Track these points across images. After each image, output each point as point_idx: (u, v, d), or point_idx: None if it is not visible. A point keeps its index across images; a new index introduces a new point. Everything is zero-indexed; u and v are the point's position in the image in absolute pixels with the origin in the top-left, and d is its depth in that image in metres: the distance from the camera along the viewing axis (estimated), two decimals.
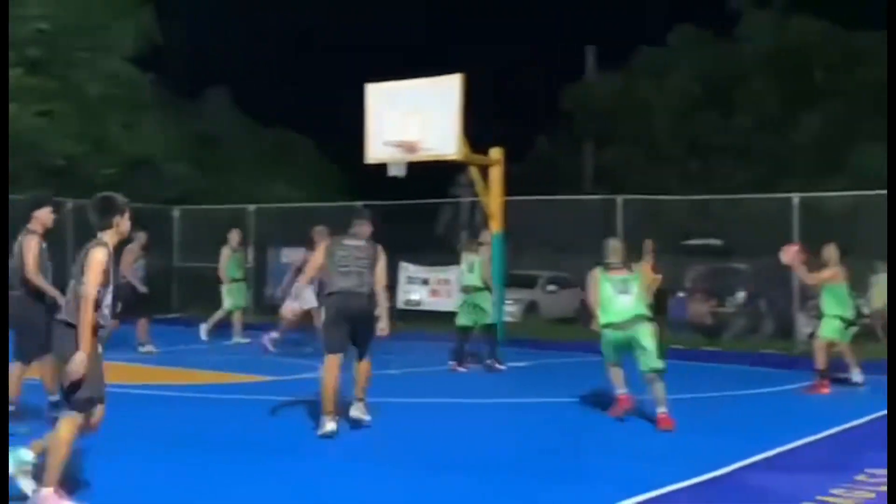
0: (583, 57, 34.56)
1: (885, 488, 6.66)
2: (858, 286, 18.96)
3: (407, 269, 19.48)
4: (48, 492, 5.68)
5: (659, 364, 9.29)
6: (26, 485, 5.89)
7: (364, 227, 8.91)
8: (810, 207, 18.45)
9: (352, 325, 8.61)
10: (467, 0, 48.70)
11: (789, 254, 12.24)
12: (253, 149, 31.60)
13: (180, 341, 15.90)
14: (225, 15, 39.16)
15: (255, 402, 10.09)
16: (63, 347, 5.73)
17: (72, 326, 5.69)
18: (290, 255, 22.66)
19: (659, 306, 17.20)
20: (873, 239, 20.63)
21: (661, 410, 9.16)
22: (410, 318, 18.97)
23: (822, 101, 28.21)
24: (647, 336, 9.37)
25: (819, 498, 6.35)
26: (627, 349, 9.50)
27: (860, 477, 6.97)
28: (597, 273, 9.69)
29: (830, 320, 12.08)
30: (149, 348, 14.95)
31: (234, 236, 16.98)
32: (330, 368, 8.53)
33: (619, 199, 19.77)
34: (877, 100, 27.89)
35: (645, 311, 9.57)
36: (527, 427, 9.58)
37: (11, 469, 5.83)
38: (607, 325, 9.52)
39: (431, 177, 21.29)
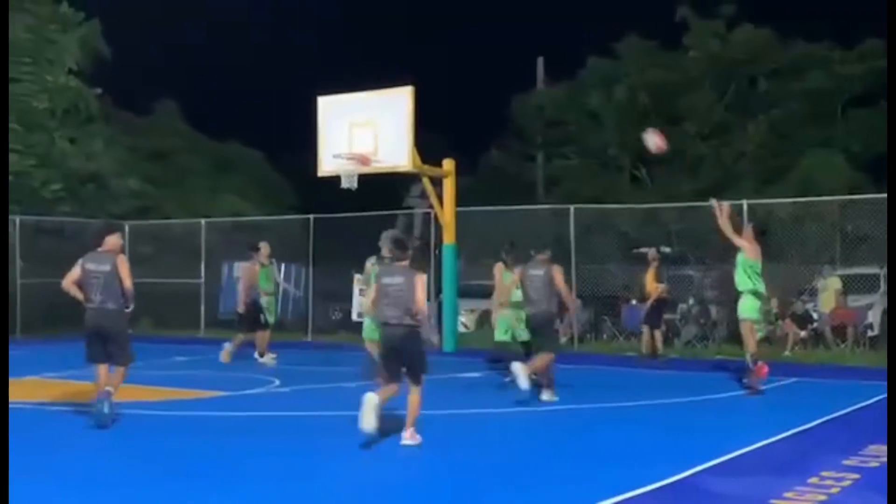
0: (534, 68, 34.77)
1: (837, 491, 6.77)
2: (806, 291, 19.31)
3: (360, 282, 19.37)
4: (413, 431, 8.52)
5: None
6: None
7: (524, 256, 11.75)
8: (759, 214, 18.68)
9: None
10: (419, 13, 48.99)
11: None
12: (203, 162, 31.34)
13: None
14: (173, 28, 38.98)
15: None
16: (413, 342, 8.58)
17: (409, 326, 8.45)
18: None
19: (658, 314, 17.31)
20: (820, 245, 21.03)
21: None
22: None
23: (767, 109, 28.62)
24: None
25: (773, 501, 6.43)
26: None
27: (813, 480, 7.06)
28: (371, 262, 12.35)
29: (747, 298, 12.14)
30: (268, 358, 15.70)
31: (264, 250, 16.28)
32: None
33: (571, 208, 19.92)
34: (821, 107, 28.42)
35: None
36: (488, 436, 9.58)
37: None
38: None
39: (383, 188, 21.32)
